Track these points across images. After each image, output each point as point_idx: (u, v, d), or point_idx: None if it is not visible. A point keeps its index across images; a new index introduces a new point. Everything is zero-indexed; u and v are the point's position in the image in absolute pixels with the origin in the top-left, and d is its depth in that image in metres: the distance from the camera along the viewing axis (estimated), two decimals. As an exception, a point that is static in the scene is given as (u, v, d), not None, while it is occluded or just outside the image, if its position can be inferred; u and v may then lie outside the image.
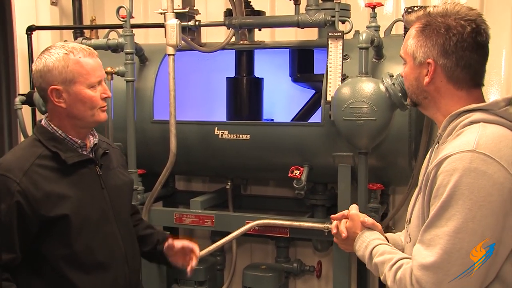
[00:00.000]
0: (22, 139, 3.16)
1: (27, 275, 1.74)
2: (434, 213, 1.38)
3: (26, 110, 3.21)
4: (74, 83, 1.76)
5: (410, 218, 1.60)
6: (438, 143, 1.54)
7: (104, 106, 1.84)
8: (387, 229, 2.93)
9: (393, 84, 2.31)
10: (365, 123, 2.33)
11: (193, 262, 2.03)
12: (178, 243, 2.03)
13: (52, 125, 1.82)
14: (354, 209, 1.75)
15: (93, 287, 1.78)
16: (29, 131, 3.25)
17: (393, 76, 2.34)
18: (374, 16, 2.77)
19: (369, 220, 1.70)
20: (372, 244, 1.62)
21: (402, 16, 2.43)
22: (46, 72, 1.77)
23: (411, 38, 1.55)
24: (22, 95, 3.12)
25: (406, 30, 1.85)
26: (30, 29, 3.37)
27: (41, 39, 3.52)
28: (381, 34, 2.79)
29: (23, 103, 3.09)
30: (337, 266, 2.67)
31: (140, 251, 2.04)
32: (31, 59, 3.38)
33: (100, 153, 1.89)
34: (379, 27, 2.75)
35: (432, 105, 1.56)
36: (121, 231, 1.88)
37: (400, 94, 2.29)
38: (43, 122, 1.84)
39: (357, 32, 2.85)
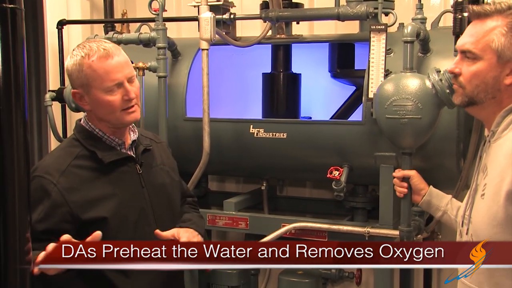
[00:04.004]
0: (52, 136, 3.22)
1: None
2: None
3: (56, 107, 3.27)
4: (90, 87, 1.77)
5: (463, 222, 1.61)
6: (490, 142, 1.55)
7: (130, 108, 1.80)
8: (432, 234, 2.88)
9: (440, 80, 2.26)
10: (409, 122, 2.28)
11: None
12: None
13: (90, 123, 1.85)
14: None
15: None
16: (59, 128, 3.31)
17: (440, 71, 2.29)
18: (420, 8, 2.72)
19: None
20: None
21: (451, 7, 2.37)
22: (68, 75, 1.83)
23: (498, 35, 1.52)
24: (52, 91, 3.17)
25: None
26: (61, 23, 3.43)
27: (71, 33, 3.58)
28: (428, 27, 2.74)
29: (53, 99, 3.14)
30: (379, 272, 2.63)
31: None
32: (61, 54, 3.44)
33: (141, 150, 1.91)
34: (425, 19, 2.70)
35: (495, 105, 1.56)
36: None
37: (448, 91, 2.23)
38: (82, 121, 1.88)
39: (401, 25, 2.81)
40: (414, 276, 3.25)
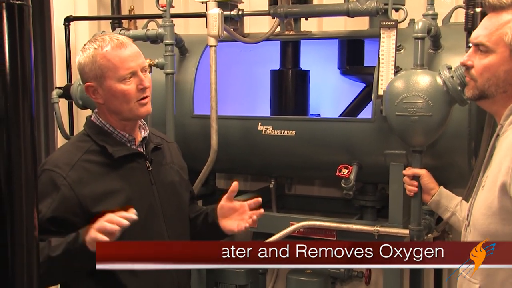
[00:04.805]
0: (59, 133, 3.23)
1: None
2: None
3: (63, 104, 3.28)
4: (104, 78, 1.79)
5: (467, 215, 1.64)
6: (499, 135, 1.58)
7: (143, 99, 1.84)
8: (443, 233, 2.87)
9: (452, 77, 2.25)
10: (419, 119, 2.28)
11: (248, 222, 1.97)
12: (230, 203, 1.98)
13: (100, 119, 1.87)
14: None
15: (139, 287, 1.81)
16: (66, 125, 3.32)
17: (451, 68, 2.28)
18: (431, 3, 2.69)
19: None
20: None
21: (463, 2, 2.36)
22: (80, 69, 1.84)
23: None
24: (59, 88, 3.18)
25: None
26: (68, 20, 3.44)
27: (78, 30, 3.59)
28: (439, 23, 2.72)
29: (60, 96, 3.16)
30: (388, 272, 2.63)
31: (195, 235, 2.03)
32: (68, 51, 3.45)
33: (151, 148, 1.92)
34: (436, 15, 2.68)
35: (506, 99, 1.58)
36: (169, 230, 1.89)
37: (459, 88, 2.22)
38: (92, 117, 1.90)
39: (412, 21, 2.80)
40: (424, 275, 3.24)
